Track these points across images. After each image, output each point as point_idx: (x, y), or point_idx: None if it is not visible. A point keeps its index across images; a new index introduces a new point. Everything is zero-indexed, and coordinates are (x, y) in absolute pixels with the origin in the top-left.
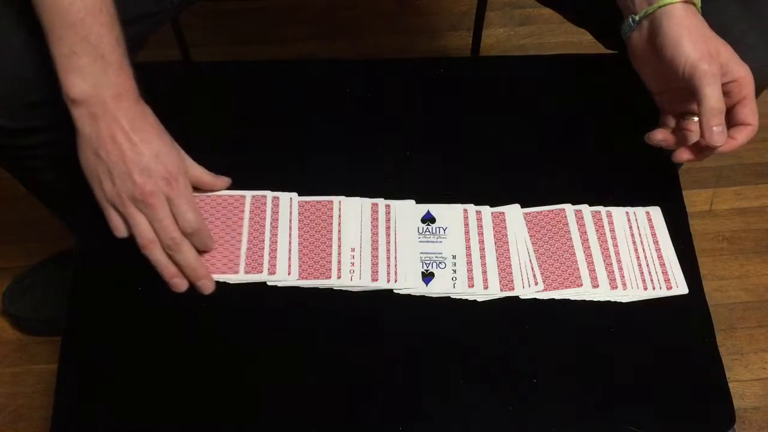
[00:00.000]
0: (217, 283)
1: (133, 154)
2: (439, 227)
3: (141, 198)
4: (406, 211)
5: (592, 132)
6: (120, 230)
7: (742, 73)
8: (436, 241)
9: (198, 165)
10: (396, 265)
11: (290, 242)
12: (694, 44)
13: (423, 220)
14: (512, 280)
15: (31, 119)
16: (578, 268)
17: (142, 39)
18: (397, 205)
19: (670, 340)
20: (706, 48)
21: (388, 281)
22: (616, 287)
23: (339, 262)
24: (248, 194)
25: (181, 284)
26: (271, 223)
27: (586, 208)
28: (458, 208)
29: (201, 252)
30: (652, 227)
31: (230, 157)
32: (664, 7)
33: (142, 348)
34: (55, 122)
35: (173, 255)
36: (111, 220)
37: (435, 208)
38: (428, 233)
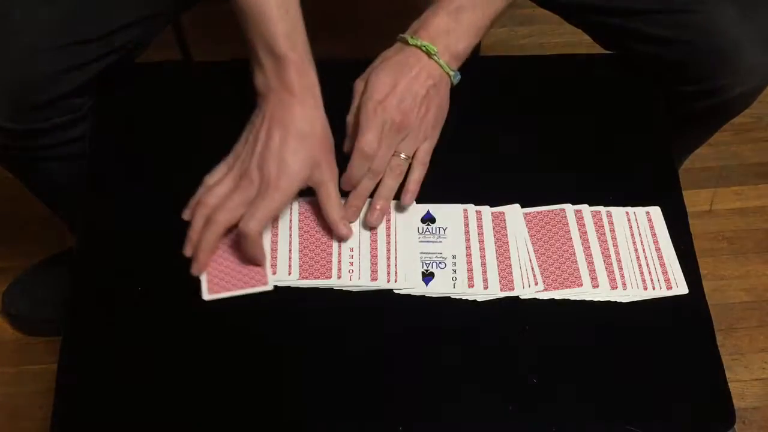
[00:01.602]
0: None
1: (264, 146)
2: (439, 227)
3: (243, 177)
4: (406, 211)
5: (592, 132)
6: (213, 178)
7: None
8: (436, 241)
9: (334, 198)
10: (396, 265)
11: (290, 242)
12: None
13: (423, 220)
14: (512, 280)
15: (36, 121)
16: (578, 268)
17: (145, 40)
18: (396, 205)
19: (670, 339)
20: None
21: (388, 281)
22: (616, 287)
23: (339, 262)
24: None
25: (188, 251)
26: (271, 223)
27: (586, 208)
28: (458, 208)
29: (244, 260)
30: (652, 227)
31: None
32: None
33: (141, 348)
34: (60, 124)
35: (206, 227)
36: (217, 168)
37: (435, 208)
38: (428, 233)
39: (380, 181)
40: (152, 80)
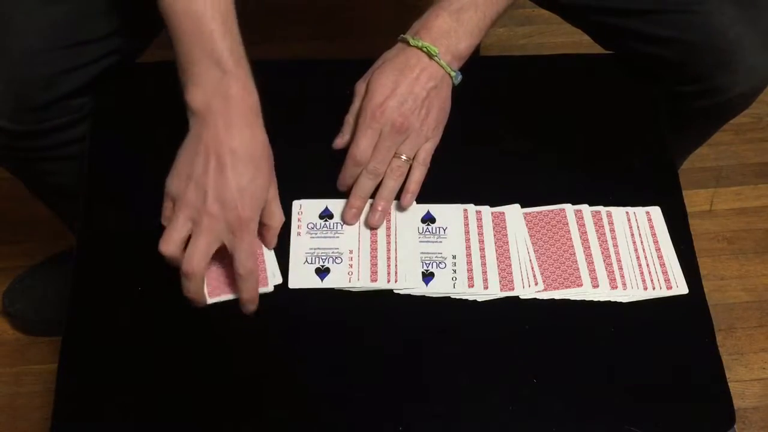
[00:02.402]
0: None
1: (218, 177)
2: (439, 227)
3: (198, 218)
4: (407, 211)
5: (592, 132)
6: (166, 220)
7: None
8: (436, 241)
9: (279, 211)
10: (396, 266)
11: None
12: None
13: (423, 220)
14: (512, 280)
15: (36, 122)
16: (578, 268)
17: (145, 41)
18: (396, 205)
19: (670, 340)
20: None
21: (388, 281)
22: (616, 287)
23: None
24: None
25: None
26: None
27: (586, 208)
28: (458, 208)
29: (241, 292)
30: (652, 227)
31: None
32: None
33: (142, 348)
34: (60, 125)
35: (183, 278)
36: (164, 212)
37: (435, 208)
38: (428, 233)
39: (382, 182)
40: (152, 80)
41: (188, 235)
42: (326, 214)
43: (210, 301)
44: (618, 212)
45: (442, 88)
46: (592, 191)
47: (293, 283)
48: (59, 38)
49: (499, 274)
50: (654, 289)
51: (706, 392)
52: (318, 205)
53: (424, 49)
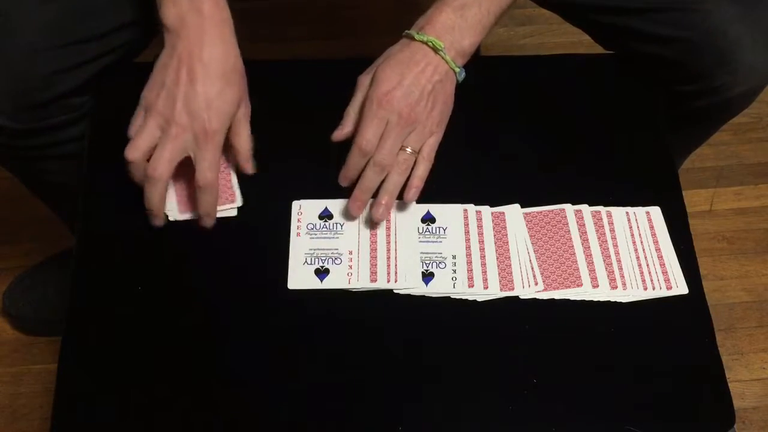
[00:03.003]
0: (217, 282)
1: (188, 88)
2: (439, 227)
3: (167, 126)
4: (407, 210)
5: (592, 132)
6: (133, 131)
7: None
8: (436, 241)
9: (246, 132)
10: (396, 265)
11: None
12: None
13: (423, 220)
14: (512, 280)
15: (36, 120)
16: (578, 268)
17: (145, 40)
18: (397, 204)
19: (670, 340)
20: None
21: (388, 281)
22: (616, 287)
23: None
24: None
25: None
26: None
27: (586, 208)
28: (458, 208)
29: (200, 204)
30: (652, 227)
31: None
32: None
33: (142, 348)
34: (59, 124)
35: (145, 185)
36: (134, 120)
37: (435, 208)
38: (428, 233)
39: (387, 176)
40: None
41: (155, 144)
42: (326, 215)
43: (176, 217)
44: (618, 212)
45: (447, 83)
46: (592, 191)
47: (293, 284)
48: (58, 37)
49: (499, 274)
50: (654, 289)
51: (706, 392)
52: (318, 205)
53: (430, 44)
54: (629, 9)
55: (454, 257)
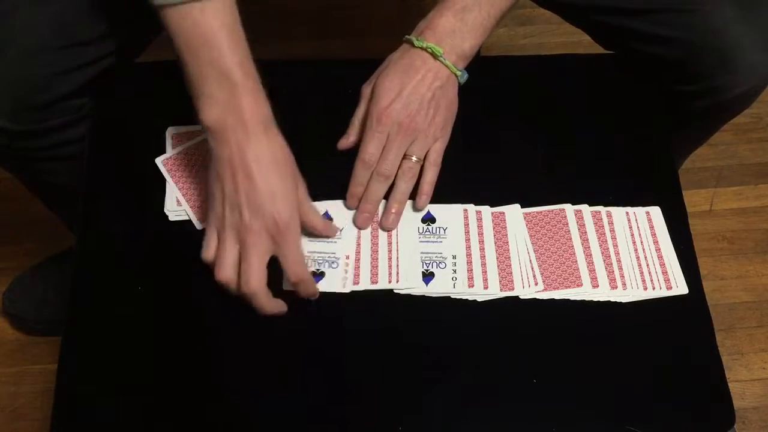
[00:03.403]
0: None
1: (248, 188)
2: (440, 227)
3: (244, 234)
4: (407, 211)
5: (592, 132)
6: (208, 254)
7: None
8: (437, 241)
9: (314, 209)
10: (397, 266)
11: None
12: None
13: (423, 220)
14: (512, 280)
15: (36, 122)
16: (578, 268)
17: (144, 41)
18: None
19: (670, 340)
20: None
21: (389, 281)
22: (616, 287)
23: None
24: None
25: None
26: None
27: (586, 208)
28: (458, 208)
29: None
30: (652, 227)
31: None
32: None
33: (142, 348)
34: (59, 125)
35: (248, 300)
36: (207, 241)
37: (435, 208)
38: (428, 233)
39: (394, 185)
40: (152, 80)
41: (239, 257)
42: (326, 218)
43: (176, 218)
44: (618, 212)
45: (448, 88)
46: (592, 191)
47: (288, 285)
48: (58, 38)
49: (499, 274)
50: (654, 289)
51: (706, 392)
52: (318, 208)
53: (429, 50)
54: (629, 10)
55: (454, 257)
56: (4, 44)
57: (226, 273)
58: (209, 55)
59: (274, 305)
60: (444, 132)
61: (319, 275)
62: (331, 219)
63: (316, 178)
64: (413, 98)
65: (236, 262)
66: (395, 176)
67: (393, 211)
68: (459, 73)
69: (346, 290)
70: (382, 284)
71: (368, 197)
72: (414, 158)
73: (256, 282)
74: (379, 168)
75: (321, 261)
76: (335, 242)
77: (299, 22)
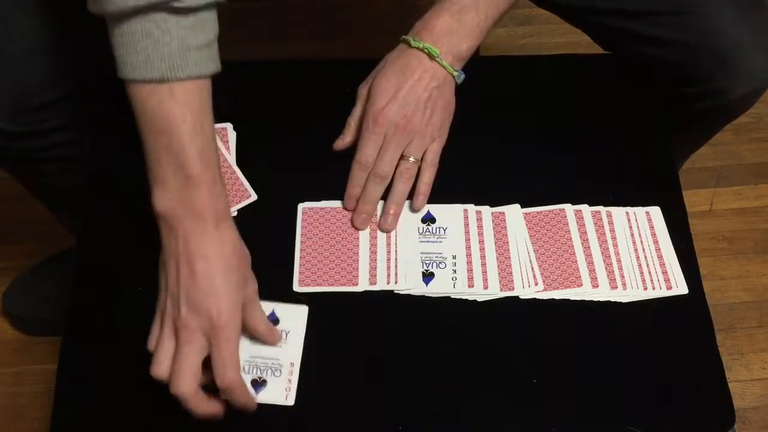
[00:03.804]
0: None
1: (189, 283)
2: (439, 227)
3: (179, 332)
4: (406, 211)
5: (592, 132)
6: (150, 344)
7: None
8: (437, 241)
9: (260, 311)
10: (396, 267)
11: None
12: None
13: (423, 221)
14: (512, 280)
15: (35, 123)
16: (578, 268)
17: None
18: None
19: (670, 340)
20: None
21: (388, 282)
22: (616, 287)
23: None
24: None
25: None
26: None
27: (586, 208)
28: (458, 208)
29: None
30: (652, 227)
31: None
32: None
33: (141, 348)
34: (58, 126)
35: (187, 403)
36: (153, 331)
37: (435, 208)
38: (428, 233)
39: (391, 185)
40: None
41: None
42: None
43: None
44: (618, 212)
45: (445, 88)
46: (592, 191)
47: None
48: (57, 39)
49: (499, 274)
50: (654, 289)
51: (706, 392)
52: (264, 310)
53: (425, 50)
54: (629, 11)
55: (454, 257)
56: (2, 45)
57: (159, 369)
58: (168, 140)
59: (206, 407)
60: (441, 132)
61: (260, 383)
62: (277, 321)
63: (316, 178)
64: (410, 99)
65: (171, 357)
66: (393, 177)
67: (391, 212)
68: (456, 73)
69: (289, 403)
70: (381, 285)
71: (366, 198)
72: (411, 159)
73: (186, 386)
74: (375, 169)
75: (263, 368)
76: (280, 347)
77: (299, 22)
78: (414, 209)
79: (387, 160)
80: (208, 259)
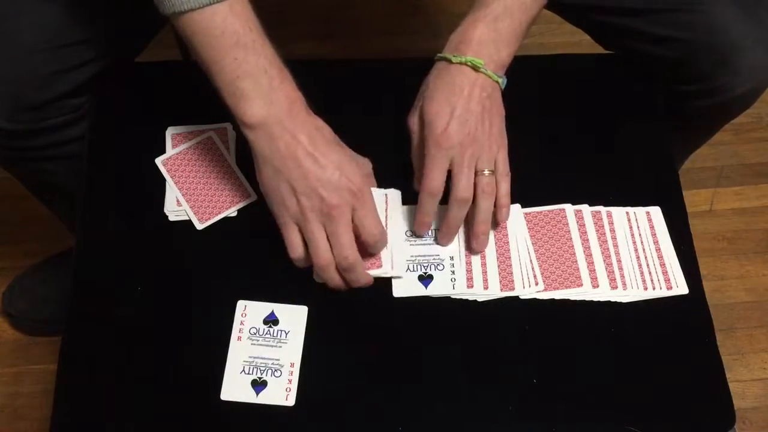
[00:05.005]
0: (217, 282)
1: (316, 169)
2: (435, 229)
3: (327, 212)
4: (397, 213)
5: (592, 132)
6: (296, 249)
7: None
8: (433, 243)
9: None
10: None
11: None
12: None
13: None
14: (512, 280)
15: (34, 121)
16: (578, 268)
17: (143, 41)
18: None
19: (670, 340)
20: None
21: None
22: (616, 287)
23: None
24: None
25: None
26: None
27: (586, 208)
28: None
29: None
30: (652, 227)
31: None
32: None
33: (141, 348)
34: (58, 124)
35: (345, 274)
36: (289, 238)
37: None
38: (425, 236)
39: (476, 205)
40: (152, 80)
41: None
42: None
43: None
44: (618, 212)
45: (495, 96)
46: (592, 191)
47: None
48: (57, 37)
49: (500, 274)
50: (654, 289)
51: (706, 392)
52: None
53: (469, 63)
54: (630, 9)
55: (451, 258)
56: (2, 43)
57: (325, 257)
58: (244, 53)
59: (367, 277)
60: (502, 139)
61: (260, 384)
62: (277, 321)
63: None
64: (468, 116)
65: (329, 248)
66: (474, 196)
67: (481, 234)
68: (500, 80)
69: (289, 403)
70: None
71: (450, 224)
72: (487, 172)
73: (354, 255)
74: (457, 195)
75: (263, 368)
76: (281, 347)
77: (299, 22)
78: (500, 222)
79: (465, 183)
80: (318, 143)
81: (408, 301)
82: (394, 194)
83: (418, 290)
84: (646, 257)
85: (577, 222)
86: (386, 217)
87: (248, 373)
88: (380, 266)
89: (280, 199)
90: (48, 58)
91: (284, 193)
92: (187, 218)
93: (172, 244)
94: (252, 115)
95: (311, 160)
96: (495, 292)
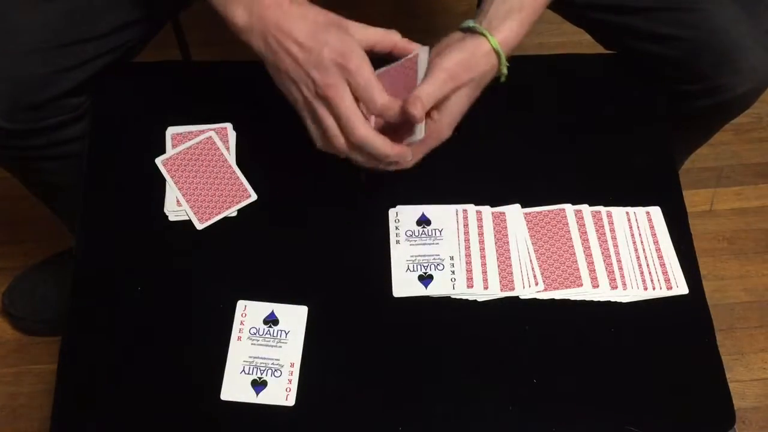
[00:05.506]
0: (217, 282)
1: (303, 54)
2: (435, 229)
3: (323, 93)
4: (403, 215)
5: (592, 132)
6: (317, 140)
7: None
8: (433, 243)
9: (363, 26)
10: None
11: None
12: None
13: (418, 223)
14: (512, 280)
15: (34, 121)
16: (578, 268)
17: (143, 40)
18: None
19: (670, 340)
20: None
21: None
22: (616, 287)
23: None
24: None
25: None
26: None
27: (586, 208)
28: (452, 209)
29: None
30: (652, 227)
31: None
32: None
33: (141, 348)
34: (57, 124)
35: (360, 153)
36: (310, 131)
37: (429, 210)
38: (424, 236)
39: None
40: (151, 80)
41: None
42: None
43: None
44: (618, 212)
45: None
46: (592, 191)
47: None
48: (56, 37)
49: (500, 274)
50: (654, 289)
51: (706, 392)
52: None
53: (483, 34)
54: (631, 8)
55: (451, 258)
56: (1, 43)
57: (339, 141)
58: None
59: (392, 148)
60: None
61: (260, 384)
62: (277, 321)
63: (314, 178)
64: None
65: (337, 128)
66: None
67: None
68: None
69: (289, 403)
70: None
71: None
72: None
73: (363, 127)
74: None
75: (263, 368)
76: (281, 347)
77: None
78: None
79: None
80: (303, 29)
81: (408, 301)
82: (423, 54)
83: (418, 290)
84: (646, 257)
85: (577, 222)
86: (418, 78)
87: (248, 373)
88: (412, 134)
89: (289, 94)
90: (48, 58)
91: (290, 87)
92: (187, 218)
93: (172, 244)
94: (239, 16)
95: (297, 47)
96: (495, 292)
